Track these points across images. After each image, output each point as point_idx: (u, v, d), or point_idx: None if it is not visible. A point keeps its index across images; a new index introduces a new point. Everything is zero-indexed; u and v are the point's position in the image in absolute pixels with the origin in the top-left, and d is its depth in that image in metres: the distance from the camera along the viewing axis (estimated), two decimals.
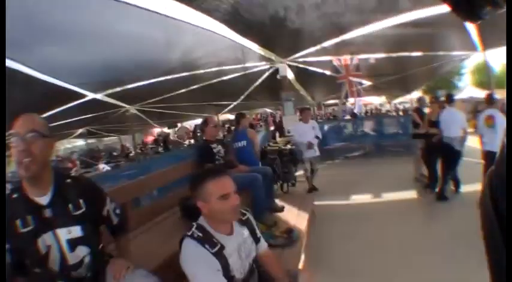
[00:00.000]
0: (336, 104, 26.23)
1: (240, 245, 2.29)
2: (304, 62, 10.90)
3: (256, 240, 2.48)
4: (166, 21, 6.94)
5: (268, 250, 2.62)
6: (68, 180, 2.09)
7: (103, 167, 14.32)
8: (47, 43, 7.07)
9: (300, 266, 3.78)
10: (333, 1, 6.75)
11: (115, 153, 26.61)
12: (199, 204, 2.19)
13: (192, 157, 5.83)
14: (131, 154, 22.33)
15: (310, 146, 8.05)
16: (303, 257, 4.06)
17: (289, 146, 8.25)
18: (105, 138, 29.19)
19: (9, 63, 7.18)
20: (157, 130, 29.24)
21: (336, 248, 5.22)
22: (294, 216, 5.27)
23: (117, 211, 2.34)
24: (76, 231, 1.99)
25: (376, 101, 33.40)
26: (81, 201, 2.05)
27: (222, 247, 2.11)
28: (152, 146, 24.26)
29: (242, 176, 5.29)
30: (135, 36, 7.57)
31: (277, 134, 12.73)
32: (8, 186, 2.02)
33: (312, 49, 9.49)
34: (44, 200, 1.97)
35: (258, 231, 2.53)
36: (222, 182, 2.17)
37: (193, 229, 2.16)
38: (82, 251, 2.01)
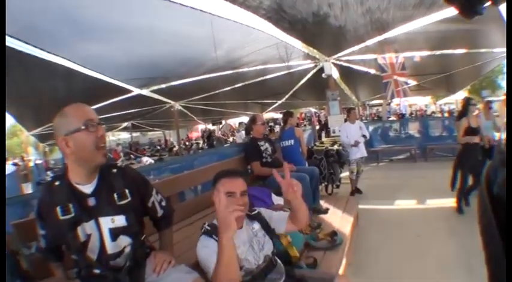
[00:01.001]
0: (380, 105, 25.83)
1: (251, 237, 2.50)
2: (348, 61, 10.71)
3: (270, 231, 2.65)
4: (211, 19, 6.97)
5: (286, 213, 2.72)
6: (114, 170, 2.11)
7: (146, 160, 14.62)
8: (95, 41, 7.41)
9: (341, 270, 3.72)
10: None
11: (158, 147, 27.20)
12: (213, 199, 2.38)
13: (239, 154, 5.84)
14: (175, 148, 22.75)
15: (356, 144, 7.89)
16: (344, 261, 3.99)
17: (336, 147, 8.09)
18: (149, 133, 29.86)
19: (56, 58, 7.53)
20: (201, 126, 29.65)
21: (376, 253, 5.08)
22: (337, 219, 5.20)
23: (163, 203, 2.36)
24: (120, 220, 2.01)
25: (420, 101, 32.60)
26: (126, 191, 2.07)
27: None
28: (196, 142, 24.62)
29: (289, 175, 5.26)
30: (180, 34, 7.68)
31: (323, 134, 12.60)
32: (50, 174, 2.06)
33: (356, 47, 9.32)
34: (88, 188, 1.99)
35: (271, 223, 2.68)
36: (231, 181, 2.45)
37: (204, 226, 2.41)
38: (124, 241, 2.03)
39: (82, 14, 6.29)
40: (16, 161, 20.56)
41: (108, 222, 1.97)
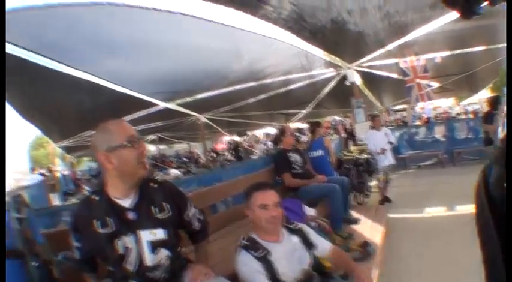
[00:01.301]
0: (404, 109, 25.42)
1: (290, 251, 2.52)
2: (370, 66, 10.65)
3: (310, 247, 2.64)
4: (232, 32, 7.12)
5: (336, 247, 2.83)
6: (153, 184, 2.16)
7: (173, 172, 14.74)
8: (120, 57, 7.68)
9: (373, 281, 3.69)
10: (394, 0, 6.62)
11: (185, 159, 27.31)
12: (247, 212, 2.63)
13: (268, 166, 5.85)
14: (201, 160, 22.86)
15: (383, 151, 7.84)
16: (376, 271, 3.97)
17: (364, 155, 8.00)
18: (176, 145, 30.00)
19: (82, 74, 7.76)
20: (227, 138, 29.70)
21: (407, 263, 5.00)
22: (368, 229, 5.19)
23: (199, 216, 2.39)
24: (159, 233, 2.04)
25: (444, 103, 31.94)
26: (165, 204, 2.10)
27: (268, 252, 2.42)
28: (222, 153, 24.67)
29: (320, 186, 5.29)
30: (203, 48, 7.81)
31: (349, 142, 12.52)
32: (86, 188, 2.11)
33: (377, 52, 9.30)
34: (127, 202, 2.04)
35: (311, 238, 2.70)
36: (263, 194, 2.56)
37: (241, 239, 2.53)
38: (162, 253, 2.05)
39: (106, 31, 6.57)
40: (43, 171, 20.89)
41: (147, 235, 2.01)
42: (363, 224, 5.42)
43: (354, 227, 5.33)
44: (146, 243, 2.00)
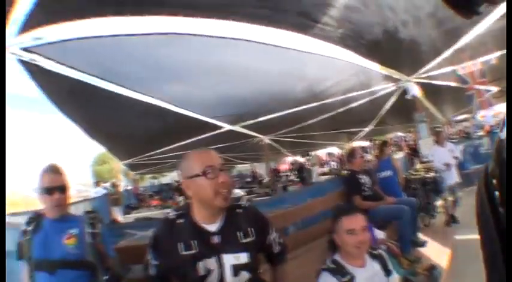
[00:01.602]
0: (465, 119, 24.42)
1: (371, 277, 2.52)
2: (428, 77, 10.22)
3: (388, 273, 2.62)
4: (292, 54, 7.15)
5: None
6: (239, 210, 2.22)
7: (237, 192, 14.97)
8: (184, 81, 7.98)
9: None
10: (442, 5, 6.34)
11: (248, 180, 27.54)
12: (334, 236, 2.64)
13: (338, 188, 5.84)
14: (264, 181, 23.00)
15: (448, 166, 7.59)
16: None
17: (431, 174, 7.77)
18: (238, 165, 30.34)
19: (148, 98, 8.11)
20: (289, 159, 29.73)
21: None
22: (435, 252, 5.09)
23: (279, 240, 2.42)
24: (243, 257, 2.08)
25: (504, 109, 30.43)
26: (249, 229, 2.16)
27: (352, 277, 2.43)
28: (286, 174, 24.72)
29: (390, 208, 5.24)
30: (265, 72, 7.94)
31: (415, 160, 12.15)
32: (172, 211, 2.19)
33: (434, 62, 8.99)
34: (213, 227, 2.11)
35: (389, 265, 2.68)
36: (351, 218, 2.58)
37: (327, 262, 2.57)
38: (244, 276, 2.09)
39: (172, 58, 6.85)
40: (106, 185, 21.72)
41: (231, 259, 2.06)
42: (430, 247, 5.33)
43: (421, 249, 5.24)
44: (229, 267, 2.06)
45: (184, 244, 2.04)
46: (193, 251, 2.03)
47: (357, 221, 2.55)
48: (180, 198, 19.62)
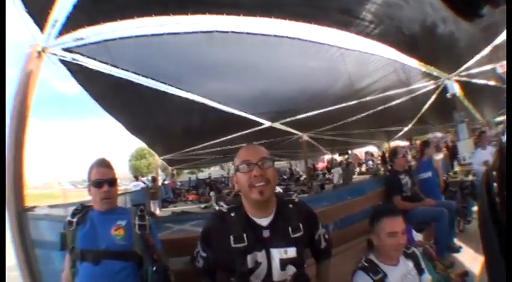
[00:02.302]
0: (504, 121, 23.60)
1: (405, 275, 2.53)
2: (468, 75, 9.97)
3: (420, 272, 2.63)
4: (330, 51, 7.20)
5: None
6: (290, 205, 2.24)
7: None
8: (227, 79, 8.10)
9: None
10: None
11: (285, 177, 27.55)
12: (372, 237, 2.64)
13: (378, 187, 5.79)
14: (301, 178, 22.92)
15: (487, 166, 7.36)
16: None
17: (470, 177, 7.56)
18: (275, 162, 30.50)
19: (190, 95, 8.33)
20: (327, 157, 29.62)
21: None
22: (469, 258, 4.97)
23: (326, 236, 2.45)
24: (291, 252, 2.12)
25: None
26: (300, 225, 2.18)
27: (385, 275, 2.45)
28: (323, 172, 24.63)
29: (428, 210, 5.17)
30: (305, 69, 8.00)
31: (455, 163, 11.81)
32: (224, 205, 2.23)
33: (474, 59, 8.77)
34: (264, 221, 2.15)
35: (422, 264, 2.68)
36: (393, 221, 2.56)
37: (362, 261, 2.59)
38: (290, 270, 2.12)
39: (215, 56, 6.95)
40: (143, 179, 22.14)
41: (280, 253, 2.10)
42: (465, 253, 5.22)
43: (456, 255, 5.16)
44: (278, 260, 2.10)
45: (235, 237, 2.08)
46: (243, 244, 2.07)
47: (398, 224, 2.55)
48: (212, 193, 19.85)
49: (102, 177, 2.66)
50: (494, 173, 0.96)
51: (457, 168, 9.55)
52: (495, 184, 0.95)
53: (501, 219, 0.89)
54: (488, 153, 7.69)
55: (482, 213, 1.02)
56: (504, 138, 0.96)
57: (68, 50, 5.63)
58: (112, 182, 2.70)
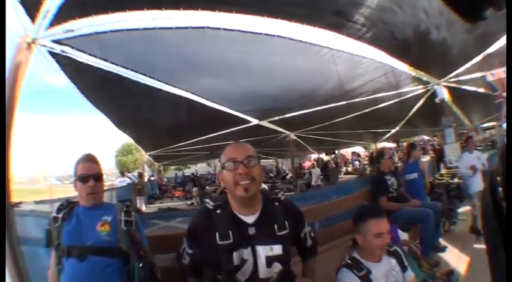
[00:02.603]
0: (492, 127, 23.96)
1: (388, 271, 2.61)
2: (458, 82, 10.05)
3: (404, 269, 2.71)
4: (321, 52, 7.21)
5: (415, 280, 2.83)
6: (276, 203, 2.25)
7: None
8: (215, 77, 8.06)
9: None
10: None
11: (271, 175, 27.62)
12: (357, 237, 2.68)
13: (363, 188, 5.82)
14: (287, 176, 22.99)
15: (473, 170, 7.42)
16: None
17: (456, 180, 7.65)
18: (262, 160, 30.62)
19: (179, 91, 8.37)
20: (314, 156, 29.77)
21: None
22: (454, 258, 5.06)
23: (312, 234, 2.46)
24: (277, 249, 2.13)
25: None
26: (286, 223, 2.18)
27: (369, 272, 2.52)
28: (309, 171, 24.79)
29: (414, 210, 5.24)
30: (294, 69, 8.07)
31: (441, 165, 11.96)
32: (210, 202, 2.23)
33: (465, 66, 8.85)
34: (250, 219, 2.15)
35: (405, 261, 2.76)
36: (379, 222, 2.60)
37: (345, 259, 2.66)
38: (276, 267, 2.13)
39: (204, 52, 6.95)
40: (129, 175, 22.08)
41: (266, 250, 2.11)
42: (450, 252, 5.30)
43: (441, 254, 5.23)
44: (263, 258, 2.11)
45: (220, 234, 2.09)
46: (229, 241, 2.08)
47: (384, 225, 2.60)
48: (195, 189, 19.93)
49: (88, 172, 2.65)
50: (498, 178, 0.97)
51: (443, 170, 9.65)
52: (500, 189, 0.96)
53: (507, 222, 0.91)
54: (475, 157, 7.79)
55: (487, 218, 1.02)
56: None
57: (57, 41, 5.58)
58: (98, 177, 2.68)
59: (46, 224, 2.68)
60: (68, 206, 2.66)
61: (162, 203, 19.68)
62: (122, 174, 20.15)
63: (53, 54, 5.90)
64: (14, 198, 3.91)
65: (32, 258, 3.68)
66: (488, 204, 0.99)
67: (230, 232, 2.08)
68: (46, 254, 2.89)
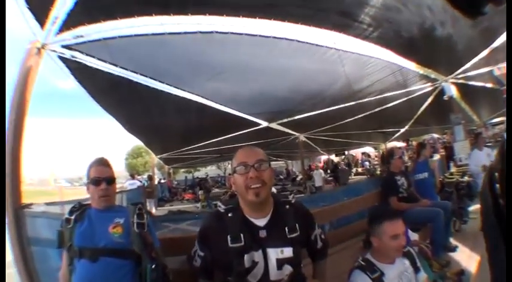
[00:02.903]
0: (502, 122, 23.69)
1: (402, 273, 2.56)
2: (465, 78, 9.95)
3: (417, 270, 2.67)
4: (328, 53, 7.25)
5: (427, 281, 2.79)
6: (287, 206, 2.25)
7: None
8: (225, 80, 8.13)
9: None
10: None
11: (281, 177, 27.54)
12: (373, 239, 2.63)
13: (374, 189, 5.80)
14: (297, 178, 22.91)
15: (484, 168, 7.37)
16: None
17: (466, 178, 7.56)
18: (272, 162, 30.53)
19: (188, 95, 8.44)
20: (323, 157, 29.67)
21: None
22: (465, 257, 4.99)
23: (322, 236, 2.46)
24: (287, 252, 2.13)
25: None
26: (296, 225, 2.19)
27: (382, 274, 2.47)
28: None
29: (424, 210, 5.17)
30: (303, 70, 8.12)
31: (451, 164, 11.83)
32: (222, 205, 2.24)
33: (472, 62, 8.79)
34: (261, 222, 2.16)
35: (418, 262, 2.72)
36: (396, 223, 2.55)
37: (359, 260, 2.60)
38: (287, 270, 2.13)
39: (213, 56, 7.04)
40: (139, 178, 22.17)
41: (277, 253, 2.12)
42: (461, 252, 5.23)
43: (451, 254, 5.18)
44: (274, 260, 2.12)
45: (232, 237, 2.10)
46: (240, 244, 2.09)
47: (400, 226, 2.56)
48: (200, 192, 20.11)
49: (101, 176, 2.67)
50: (496, 174, 0.99)
51: (453, 169, 9.55)
52: (498, 185, 0.98)
53: (506, 219, 0.92)
54: (484, 154, 7.75)
55: (486, 215, 1.04)
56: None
57: (67, 47, 5.65)
58: (110, 180, 2.70)
59: (57, 226, 2.71)
60: (80, 208, 2.68)
61: (172, 205, 19.74)
62: (132, 176, 20.25)
63: (63, 59, 5.97)
64: (24, 199, 3.95)
65: (42, 259, 3.72)
66: (488, 200, 1.01)
67: (241, 235, 2.10)
68: (56, 255, 2.93)
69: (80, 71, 6.55)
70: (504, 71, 9.05)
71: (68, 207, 2.77)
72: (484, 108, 15.94)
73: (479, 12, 1.03)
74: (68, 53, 5.79)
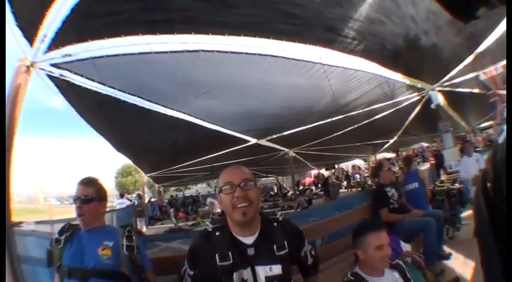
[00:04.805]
0: (490, 126, 23.88)
1: None
2: (451, 85, 10.05)
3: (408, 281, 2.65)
4: (314, 68, 7.32)
5: None
6: (275, 224, 2.26)
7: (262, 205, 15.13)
8: (213, 98, 8.17)
9: None
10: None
11: (272, 193, 27.48)
12: (359, 253, 2.65)
13: (365, 202, 5.83)
14: (288, 194, 22.89)
15: (476, 178, 7.42)
16: None
17: (457, 185, 7.59)
18: (263, 178, 30.44)
19: (177, 113, 8.51)
20: (314, 172, 29.69)
21: None
22: (460, 265, 5.01)
23: (312, 252, 2.45)
24: (276, 269, 2.12)
25: None
26: (285, 242, 2.18)
27: None
28: (309, 187, 24.70)
29: (416, 220, 5.19)
30: (289, 86, 8.19)
31: (441, 171, 11.89)
32: (210, 225, 2.24)
33: (457, 69, 8.94)
34: (249, 240, 2.16)
35: (408, 274, 2.67)
36: (379, 234, 2.60)
37: (347, 275, 2.62)
38: None
39: (200, 74, 7.05)
40: (128, 197, 22.05)
41: (265, 271, 2.12)
42: (455, 259, 5.25)
43: (446, 262, 5.20)
44: (263, 278, 2.12)
45: (220, 255, 2.10)
46: (229, 262, 2.09)
47: (384, 237, 2.59)
48: (171, 210, 20.96)
49: (77, 194, 2.66)
50: (489, 184, 1.00)
51: (443, 177, 9.61)
52: (489, 185, 0.99)
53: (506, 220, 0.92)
54: (474, 160, 7.85)
55: (479, 219, 1.06)
56: (500, 139, 1.00)
57: (56, 65, 5.67)
58: (84, 199, 2.66)
59: (47, 244, 2.72)
60: (69, 229, 2.68)
61: (163, 224, 19.64)
62: (121, 195, 20.13)
63: (52, 78, 5.98)
64: (14, 217, 3.96)
65: (32, 277, 3.72)
66: (481, 204, 1.01)
67: (230, 253, 2.10)
68: (46, 273, 2.99)
69: (68, 90, 6.56)
70: (489, 75, 9.14)
71: (57, 226, 2.77)
72: (471, 114, 16.02)
73: (472, 16, 1.05)
74: (56, 72, 5.81)
